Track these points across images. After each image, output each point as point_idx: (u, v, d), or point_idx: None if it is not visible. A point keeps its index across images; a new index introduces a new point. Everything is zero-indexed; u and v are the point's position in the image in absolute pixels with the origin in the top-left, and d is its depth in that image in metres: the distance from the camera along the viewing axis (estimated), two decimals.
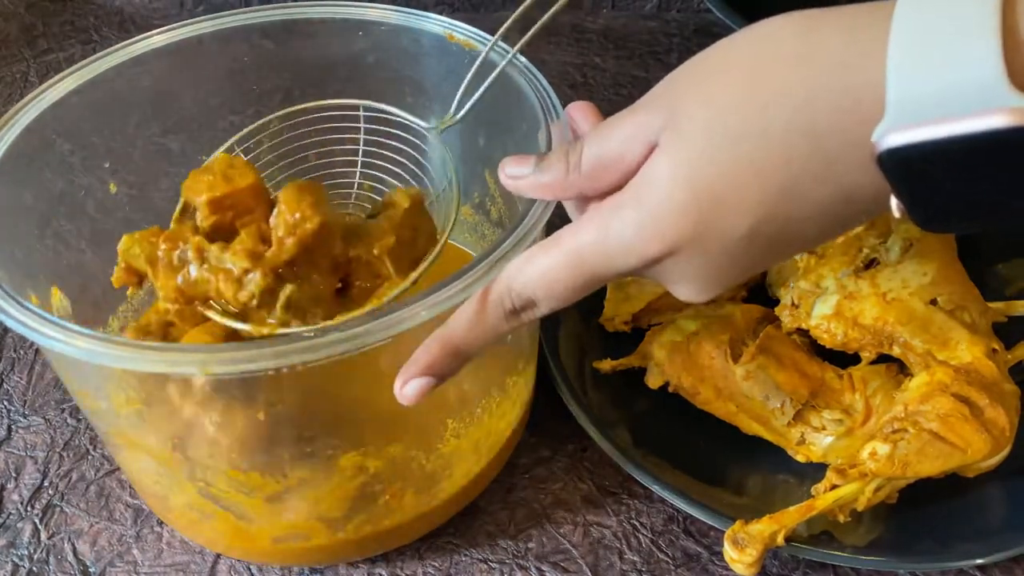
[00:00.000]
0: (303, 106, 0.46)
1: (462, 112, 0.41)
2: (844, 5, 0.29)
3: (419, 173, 0.45)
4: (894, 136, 0.26)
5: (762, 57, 0.29)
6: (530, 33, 0.38)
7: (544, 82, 0.42)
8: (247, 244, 0.36)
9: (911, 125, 0.25)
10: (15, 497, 0.48)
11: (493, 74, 0.40)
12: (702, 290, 0.33)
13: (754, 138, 0.29)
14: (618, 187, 0.33)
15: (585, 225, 0.32)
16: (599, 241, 0.31)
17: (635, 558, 0.45)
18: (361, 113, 0.46)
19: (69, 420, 0.52)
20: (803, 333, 0.50)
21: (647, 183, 0.31)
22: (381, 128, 0.46)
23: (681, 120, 0.30)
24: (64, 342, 0.32)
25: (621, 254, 0.31)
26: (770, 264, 0.33)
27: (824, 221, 0.30)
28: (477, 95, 0.41)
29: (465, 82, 0.41)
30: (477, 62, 0.41)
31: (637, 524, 0.47)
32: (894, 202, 0.28)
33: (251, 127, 0.45)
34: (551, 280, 0.32)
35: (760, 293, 0.54)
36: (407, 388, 0.34)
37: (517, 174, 0.35)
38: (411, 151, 0.45)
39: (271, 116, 0.46)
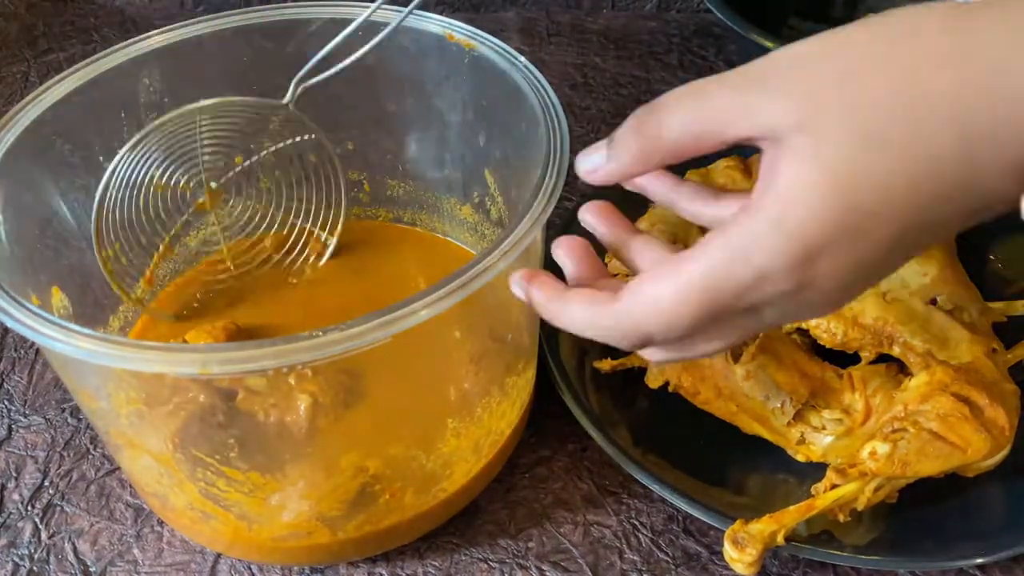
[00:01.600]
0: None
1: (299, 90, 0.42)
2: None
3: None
4: None
5: (912, 55, 0.27)
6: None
7: (544, 82, 0.42)
8: None
9: None
10: (15, 496, 0.48)
11: (344, 62, 0.41)
12: (834, 308, 0.31)
13: (905, 144, 0.26)
14: (701, 155, 0.30)
15: (716, 256, 0.28)
16: (730, 274, 0.28)
17: (635, 557, 0.45)
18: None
19: (69, 420, 0.52)
20: (803, 333, 0.50)
21: (790, 199, 0.27)
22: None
23: (821, 121, 0.27)
24: (64, 342, 0.32)
25: (753, 286, 0.28)
26: (894, 271, 0.31)
27: (952, 226, 0.28)
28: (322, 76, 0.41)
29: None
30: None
31: (637, 523, 0.47)
32: None
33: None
34: (675, 316, 0.29)
35: None
36: (519, 286, 0.34)
37: (591, 167, 0.33)
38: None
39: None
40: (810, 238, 0.27)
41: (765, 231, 0.28)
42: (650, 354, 0.33)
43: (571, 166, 0.39)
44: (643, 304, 0.30)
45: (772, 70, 0.29)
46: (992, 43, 0.26)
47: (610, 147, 0.32)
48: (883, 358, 0.48)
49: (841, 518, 0.44)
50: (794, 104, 0.28)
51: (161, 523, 0.47)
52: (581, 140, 0.72)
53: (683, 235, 0.53)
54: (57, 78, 0.43)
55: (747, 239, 0.28)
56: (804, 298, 0.29)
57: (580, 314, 0.32)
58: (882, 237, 0.28)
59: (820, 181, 0.27)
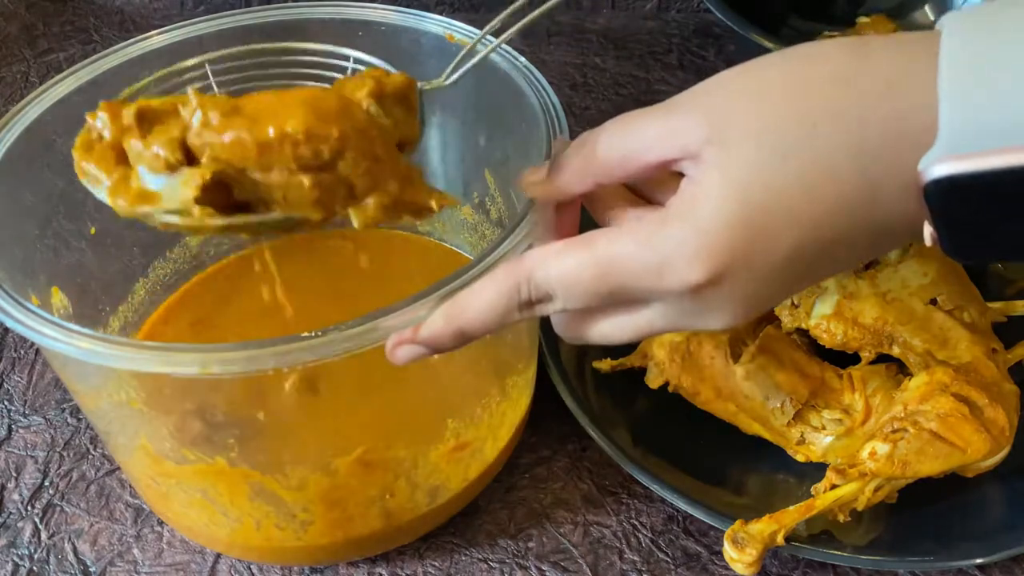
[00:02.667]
0: (286, 45, 0.41)
1: (452, 79, 0.40)
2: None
3: None
4: (943, 166, 0.25)
5: (810, 75, 0.29)
6: (527, 19, 0.37)
7: (544, 82, 0.42)
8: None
9: (964, 155, 0.25)
10: (15, 497, 0.48)
11: (486, 52, 0.38)
12: (738, 316, 0.31)
13: (804, 154, 0.28)
14: (632, 180, 0.33)
15: (624, 235, 0.30)
16: (635, 255, 0.30)
17: (635, 557, 0.45)
18: (351, 64, 0.42)
19: (69, 420, 0.52)
20: (803, 333, 0.50)
21: (695, 199, 0.29)
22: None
23: (727, 134, 0.29)
24: (64, 342, 0.32)
25: (655, 271, 0.30)
26: (799, 289, 0.32)
27: (859, 247, 0.29)
28: (469, 65, 0.39)
29: (460, 57, 0.39)
30: (479, 53, 0.39)
31: (637, 524, 0.47)
32: (928, 231, 0.27)
33: (222, 53, 0.41)
34: (573, 282, 0.31)
35: None
36: (399, 351, 0.33)
37: (535, 180, 0.35)
38: None
39: (245, 48, 0.42)
40: (713, 234, 0.29)
41: (672, 224, 0.29)
42: (554, 318, 0.35)
43: None
44: (553, 264, 0.31)
45: (686, 97, 0.31)
46: (885, 64, 0.27)
47: (552, 163, 0.34)
48: (883, 358, 0.49)
49: (841, 518, 0.44)
50: (703, 119, 0.30)
51: (161, 523, 0.47)
52: None
53: None
54: (57, 78, 0.43)
55: (656, 229, 0.30)
56: (703, 299, 0.30)
57: (486, 284, 0.33)
58: (781, 245, 0.29)
59: (724, 183, 0.29)
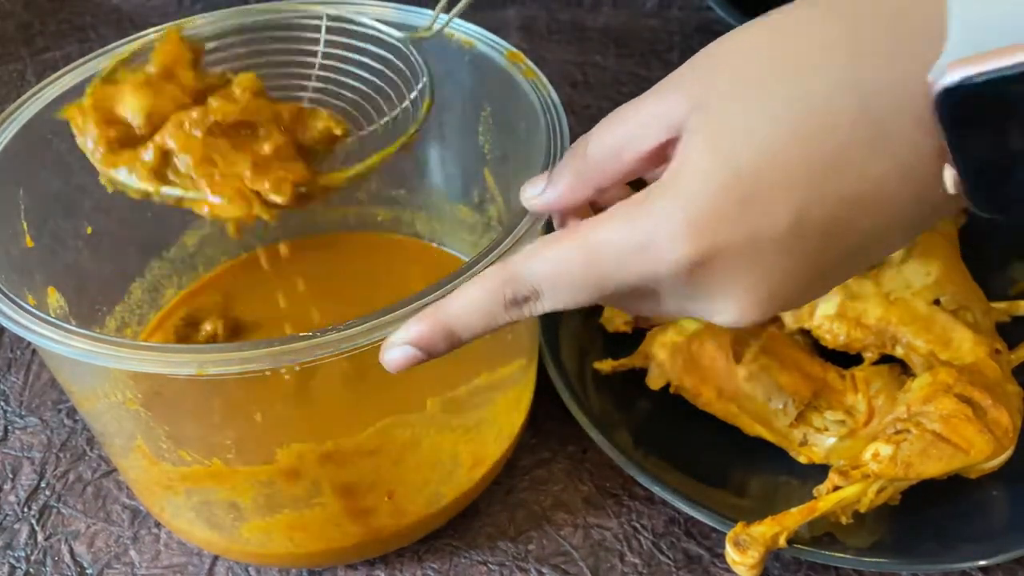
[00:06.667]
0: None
1: (438, 25, 0.39)
2: None
3: (387, 90, 0.43)
4: (957, 70, 0.22)
5: (796, 17, 0.26)
6: None
7: (544, 80, 0.42)
8: None
9: (979, 57, 0.22)
10: (12, 498, 0.48)
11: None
12: (747, 308, 0.28)
13: (794, 102, 0.25)
14: (632, 175, 0.30)
15: (607, 220, 0.28)
16: (622, 238, 0.27)
17: (636, 560, 0.45)
18: (324, 23, 0.43)
19: (66, 421, 0.52)
20: (805, 333, 0.50)
21: (680, 170, 0.27)
22: (346, 41, 0.43)
23: (710, 98, 0.27)
24: (60, 342, 0.32)
25: (638, 250, 0.27)
26: (834, 278, 0.28)
27: (883, 209, 0.26)
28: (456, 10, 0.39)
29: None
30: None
31: (638, 526, 0.46)
32: (948, 174, 0.24)
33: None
34: (558, 273, 0.29)
35: None
36: (390, 353, 0.32)
37: (533, 194, 0.33)
38: (379, 66, 0.42)
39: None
40: (698, 204, 0.26)
41: (655, 198, 0.27)
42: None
43: None
44: (538, 257, 0.30)
45: (673, 75, 0.29)
46: None
47: (550, 174, 0.33)
48: (886, 359, 0.48)
49: (843, 520, 0.43)
50: (687, 91, 0.28)
51: (158, 525, 0.47)
52: None
53: None
54: (53, 76, 0.43)
55: (637, 206, 0.28)
56: (697, 283, 0.28)
57: (472, 284, 0.31)
58: (780, 213, 0.26)
59: (707, 148, 0.26)
